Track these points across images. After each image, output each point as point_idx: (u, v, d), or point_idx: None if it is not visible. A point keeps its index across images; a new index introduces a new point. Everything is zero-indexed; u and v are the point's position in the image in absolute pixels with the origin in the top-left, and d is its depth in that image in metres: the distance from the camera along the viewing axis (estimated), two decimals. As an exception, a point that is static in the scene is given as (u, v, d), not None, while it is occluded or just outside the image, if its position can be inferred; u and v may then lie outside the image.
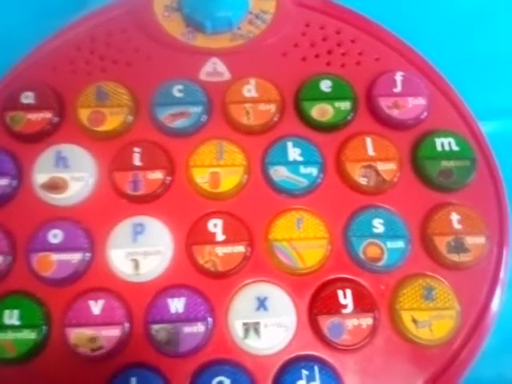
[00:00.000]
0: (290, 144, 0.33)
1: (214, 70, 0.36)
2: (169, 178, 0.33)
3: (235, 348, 0.29)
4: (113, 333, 0.29)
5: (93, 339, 0.29)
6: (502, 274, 0.31)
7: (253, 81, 0.35)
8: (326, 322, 0.29)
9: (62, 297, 0.30)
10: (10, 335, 0.30)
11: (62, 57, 0.36)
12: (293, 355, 0.29)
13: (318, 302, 0.30)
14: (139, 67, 0.36)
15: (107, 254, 0.31)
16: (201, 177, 0.33)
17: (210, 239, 0.31)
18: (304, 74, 0.35)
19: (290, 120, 0.34)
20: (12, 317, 0.30)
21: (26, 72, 0.36)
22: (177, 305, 0.30)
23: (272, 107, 0.34)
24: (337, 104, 0.34)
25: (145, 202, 0.32)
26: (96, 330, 0.30)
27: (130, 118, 0.34)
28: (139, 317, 0.30)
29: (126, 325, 0.30)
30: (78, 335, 0.29)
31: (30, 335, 0.30)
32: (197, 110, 0.34)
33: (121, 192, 0.32)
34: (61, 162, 0.33)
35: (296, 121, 0.34)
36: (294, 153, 0.33)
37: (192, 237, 0.31)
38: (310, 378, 0.28)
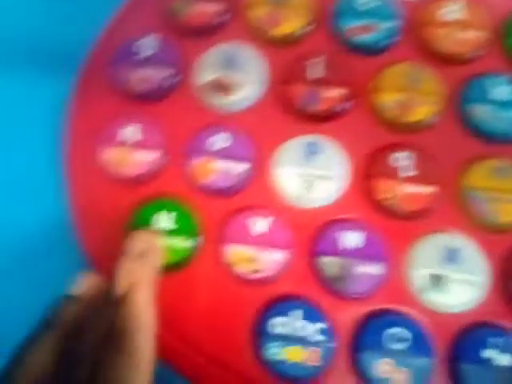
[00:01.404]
0: (495, 81, 0.29)
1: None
2: (350, 99, 0.29)
3: (413, 299, 0.26)
4: (274, 257, 0.26)
5: (251, 260, 0.26)
6: None
7: (461, 2, 0.30)
8: (525, 290, 0.25)
9: (219, 209, 0.27)
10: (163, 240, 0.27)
11: None
12: (479, 319, 0.25)
13: (516, 266, 0.26)
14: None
15: (274, 170, 0.28)
16: (388, 102, 0.28)
17: (394, 174, 0.27)
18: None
19: (498, 54, 0.29)
20: (167, 221, 0.27)
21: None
22: (351, 240, 0.26)
23: (479, 36, 0.29)
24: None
25: (320, 120, 0.29)
26: (255, 250, 0.26)
27: (310, 26, 0.30)
28: (305, 245, 0.27)
29: (291, 251, 0.26)
30: (234, 253, 0.26)
31: (183, 243, 0.27)
32: (388, 25, 0.30)
33: (294, 106, 0.29)
34: (229, 61, 0.30)
35: (505, 56, 0.29)
36: (499, 91, 0.28)
37: (373, 168, 0.27)
38: (497, 348, 0.24)
